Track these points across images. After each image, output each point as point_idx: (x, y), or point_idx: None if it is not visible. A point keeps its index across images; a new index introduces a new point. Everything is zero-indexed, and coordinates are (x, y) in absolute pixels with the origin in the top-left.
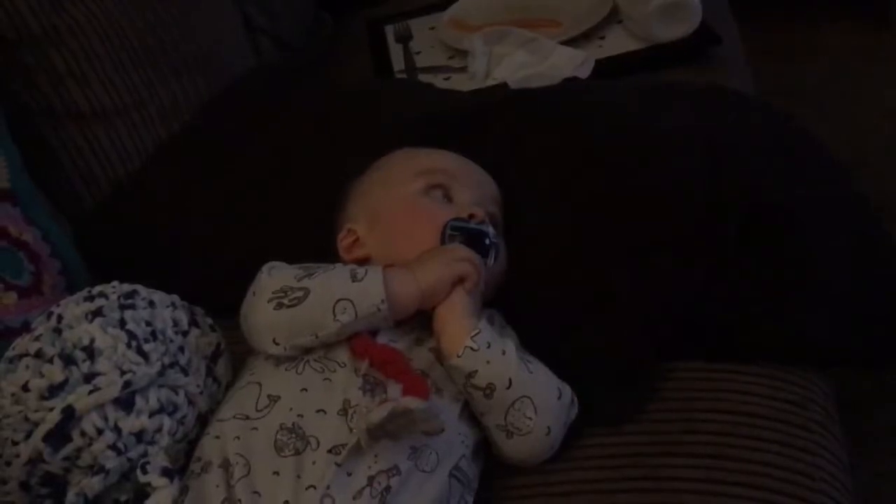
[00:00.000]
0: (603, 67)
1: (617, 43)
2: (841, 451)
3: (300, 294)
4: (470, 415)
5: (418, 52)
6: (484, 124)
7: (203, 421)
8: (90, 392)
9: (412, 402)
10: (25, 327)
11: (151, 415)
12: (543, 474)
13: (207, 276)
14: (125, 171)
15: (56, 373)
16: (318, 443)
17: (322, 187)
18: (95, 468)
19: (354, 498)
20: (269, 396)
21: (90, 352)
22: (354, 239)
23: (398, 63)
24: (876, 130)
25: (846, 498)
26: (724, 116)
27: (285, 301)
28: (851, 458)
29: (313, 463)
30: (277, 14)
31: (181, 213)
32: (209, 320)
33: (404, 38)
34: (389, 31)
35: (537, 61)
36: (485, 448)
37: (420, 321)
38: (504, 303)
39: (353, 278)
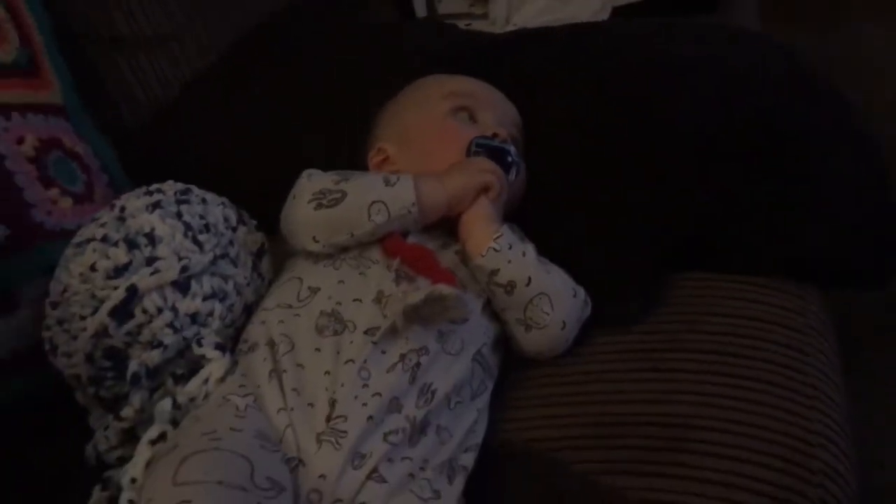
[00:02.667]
0: (620, 13)
1: None
2: (834, 355)
3: (338, 196)
4: (491, 312)
5: (440, 0)
6: (497, 57)
7: (248, 312)
8: (151, 274)
9: (445, 289)
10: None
11: (205, 299)
12: (557, 366)
13: (236, 196)
14: (165, 97)
15: (121, 255)
16: (355, 326)
17: (347, 114)
18: (154, 343)
19: (388, 371)
20: (309, 288)
21: (151, 238)
22: (385, 157)
23: (421, 10)
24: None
25: (836, 393)
26: (734, 49)
27: (324, 202)
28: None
29: (351, 342)
30: None
31: (214, 136)
32: (254, 222)
33: None
34: None
35: (558, 7)
36: (504, 344)
37: (446, 228)
38: (521, 225)
39: (387, 183)
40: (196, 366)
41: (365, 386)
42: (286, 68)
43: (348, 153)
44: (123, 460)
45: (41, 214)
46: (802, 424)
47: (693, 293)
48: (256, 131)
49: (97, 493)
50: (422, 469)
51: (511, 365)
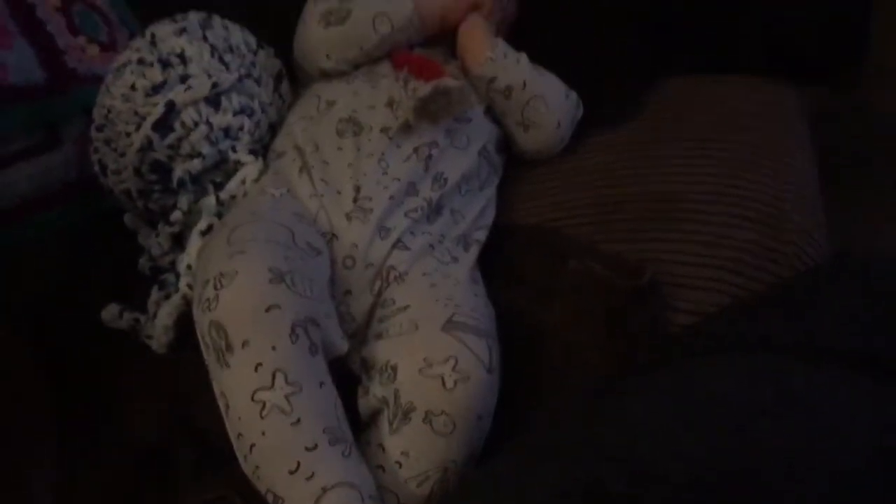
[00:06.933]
0: None
1: None
2: (807, 139)
3: (344, 13)
4: (493, 117)
5: None
6: None
7: (273, 130)
8: (186, 90)
9: (451, 82)
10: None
11: (235, 114)
12: (555, 162)
13: None
14: None
15: (157, 74)
16: (371, 127)
17: None
18: (194, 154)
19: (404, 161)
20: (327, 101)
21: (182, 58)
22: None
23: None
24: None
25: (808, 169)
26: None
27: (332, 19)
28: None
29: (369, 140)
30: None
31: None
32: (272, 50)
33: None
34: None
35: None
36: (507, 147)
37: (444, 50)
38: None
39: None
40: (232, 175)
41: (385, 174)
42: None
43: None
44: (174, 264)
45: (73, 61)
46: (777, 194)
47: (679, 92)
48: None
49: (155, 293)
50: (440, 241)
51: (515, 165)
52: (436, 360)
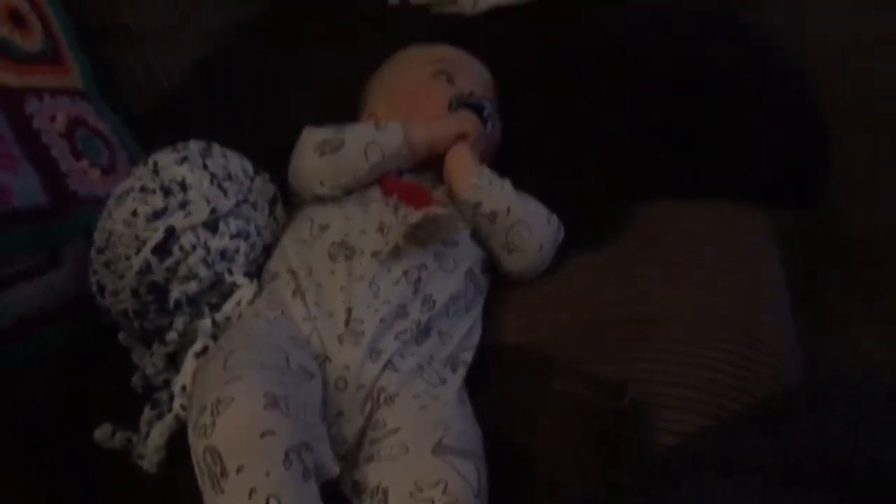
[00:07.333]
0: None
1: None
2: (777, 262)
3: (338, 143)
4: (478, 241)
5: None
6: (470, 35)
7: (267, 252)
8: (185, 216)
9: (440, 210)
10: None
11: (231, 237)
12: (538, 283)
13: None
14: (168, 84)
15: (158, 201)
16: (363, 251)
17: (339, 91)
18: (191, 276)
19: (394, 284)
20: (319, 225)
21: (183, 186)
22: (375, 121)
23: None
24: None
25: (781, 292)
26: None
27: (326, 149)
28: None
29: (360, 263)
30: None
31: (215, 119)
32: (268, 175)
33: None
34: None
35: None
36: (491, 268)
37: (432, 175)
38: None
39: (377, 127)
40: (228, 296)
41: (375, 297)
42: (281, 53)
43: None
44: (167, 383)
45: (75, 184)
46: (751, 314)
47: (655, 217)
48: (256, 109)
49: (147, 412)
50: (429, 363)
51: (499, 286)
52: (426, 483)
